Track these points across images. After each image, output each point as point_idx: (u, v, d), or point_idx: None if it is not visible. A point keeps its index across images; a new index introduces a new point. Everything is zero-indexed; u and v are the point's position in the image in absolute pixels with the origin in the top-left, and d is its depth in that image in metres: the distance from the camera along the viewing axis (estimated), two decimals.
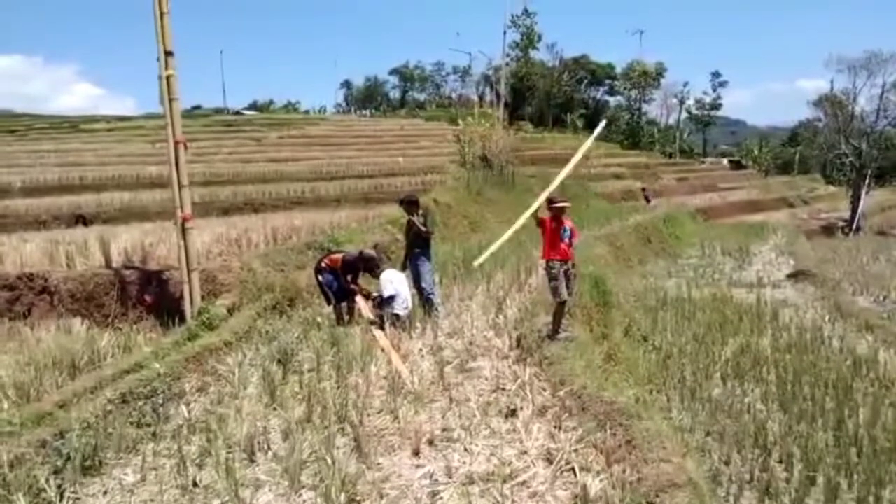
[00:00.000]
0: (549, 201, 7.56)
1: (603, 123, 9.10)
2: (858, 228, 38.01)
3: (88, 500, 4.79)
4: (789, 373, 9.04)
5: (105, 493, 4.89)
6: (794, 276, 17.13)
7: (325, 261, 9.34)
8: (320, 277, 9.22)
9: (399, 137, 41.86)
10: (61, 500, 4.66)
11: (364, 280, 9.27)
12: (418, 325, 8.47)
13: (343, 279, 9.07)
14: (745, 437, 7.10)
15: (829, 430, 7.28)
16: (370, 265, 9.09)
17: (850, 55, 43.60)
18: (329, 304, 9.26)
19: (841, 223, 40.38)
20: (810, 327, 11.48)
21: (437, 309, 9.00)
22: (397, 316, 8.50)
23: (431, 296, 9.07)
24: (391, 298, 8.59)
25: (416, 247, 9.07)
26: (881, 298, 14.72)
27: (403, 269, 9.19)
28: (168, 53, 10.11)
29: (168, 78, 10.15)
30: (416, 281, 9.08)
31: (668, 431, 5.21)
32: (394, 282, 8.68)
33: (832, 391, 8.33)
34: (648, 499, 4.11)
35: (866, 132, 44.01)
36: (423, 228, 8.90)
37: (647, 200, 31.54)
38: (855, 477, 6.26)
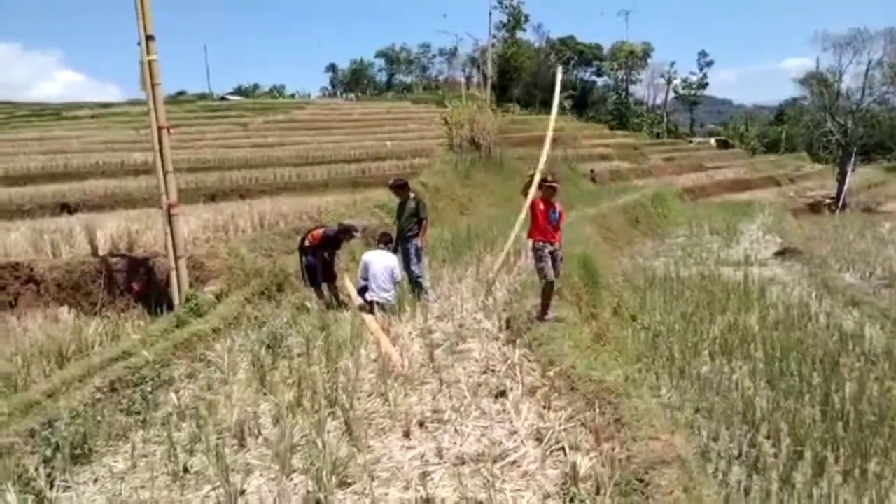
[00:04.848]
0: (542, 180, 7.53)
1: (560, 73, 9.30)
2: (845, 205, 38.22)
3: (79, 489, 4.78)
4: (777, 349, 9.12)
5: (95, 480, 4.89)
6: (782, 253, 17.23)
7: (308, 239, 9.36)
8: (304, 259, 9.27)
9: (386, 120, 41.59)
10: (51, 488, 4.64)
11: (347, 256, 9.31)
12: (408, 308, 8.47)
13: (322, 253, 9.12)
14: (733, 414, 7.18)
15: (816, 406, 7.36)
16: (348, 236, 9.20)
17: (836, 33, 43.76)
18: (310, 285, 9.30)
19: (827, 200, 40.55)
20: (797, 304, 11.57)
21: (426, 292, 9.02)
22: (379, 304, 8.49)
23: (420, 279, 9.08)
24: (364, 288, 8.63)
25: (408, 230, 9.08)
26: (867, 275, 14.84)
27: (395, 251, 9.19)
28: (149, 38, 9.94)
29: (150, 63, 9.99)
30: (407, 264, 9.09)
31: (656, 409, 5.25)
32: (371, 264, 8.67)
33: (819, 367, 8.42)
34: (638, 476, 4.15)
35: (852, 110, 44.23)
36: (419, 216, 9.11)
37: (594, 182, 32.48)
38: (841, 450, 6.35)
